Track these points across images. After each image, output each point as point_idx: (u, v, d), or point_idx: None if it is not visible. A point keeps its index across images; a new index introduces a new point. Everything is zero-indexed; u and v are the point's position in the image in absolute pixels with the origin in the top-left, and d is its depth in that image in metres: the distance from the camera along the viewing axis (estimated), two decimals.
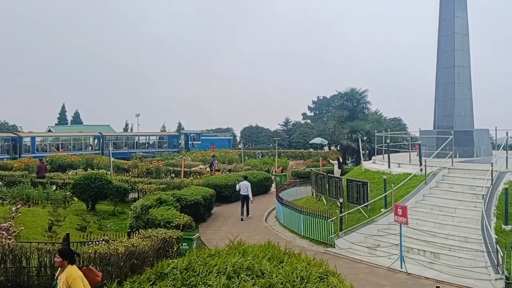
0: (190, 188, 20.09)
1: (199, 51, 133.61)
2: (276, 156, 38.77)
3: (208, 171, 30.86)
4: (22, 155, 42.87)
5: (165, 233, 11.59)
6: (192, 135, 60.87)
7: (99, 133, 54.67)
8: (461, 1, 20.65)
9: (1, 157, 41.47)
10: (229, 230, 17.17)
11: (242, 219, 19.93)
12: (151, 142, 59.44)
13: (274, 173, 33.30)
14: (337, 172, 24.93)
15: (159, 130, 77.41)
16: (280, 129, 75.96)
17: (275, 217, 20.42)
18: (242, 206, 20.34)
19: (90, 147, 52.41)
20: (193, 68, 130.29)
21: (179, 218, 13.97)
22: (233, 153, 47.32)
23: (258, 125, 76.17)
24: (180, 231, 12.70)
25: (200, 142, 59.37)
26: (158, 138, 60.96)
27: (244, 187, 20.50)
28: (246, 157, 46.11)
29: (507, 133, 16.69)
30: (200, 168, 33.38)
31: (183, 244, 12.30)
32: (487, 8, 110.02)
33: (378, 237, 14.51)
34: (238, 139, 75.26)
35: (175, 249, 11.45)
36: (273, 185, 29.07)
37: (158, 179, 25.81)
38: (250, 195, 20.42)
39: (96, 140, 53.13)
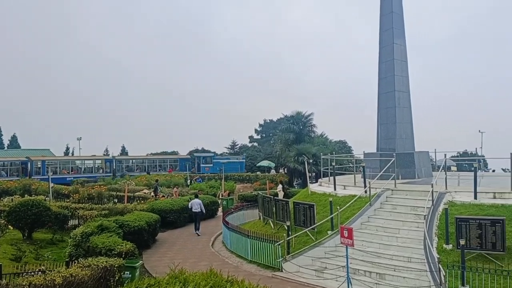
0: (133, 214, 19.48)
1: (151, 73, 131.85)
2: (223, 180, 38.47)
3: (152, 196, 30.13)
4: None
5: (106, 261, 11.02)
6: (204, 158, 60.58)
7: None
8: (399, 29, 21.58)
9: None
10: (174, 256, 16.69)
11: (198, 235, 21.64)
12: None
13: (220, 197, 32.98)
14: (281, 195, 25.03)
15: (102, 153, 75.41)
16: (226, 152, 75.78)
17: (222, 242, 20.08)
18: (195, 222, 22.15)
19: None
20: (141, 91, 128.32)
21: (122, 246, 13.40)
22: (178, 176, 46.56)
23: (204, 148, 75.69)
24: (122, 259, 12.15)
25: (212, 165, 58.51)
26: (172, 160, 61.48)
27: (196, 205, 22.32)
28: (193, 181, 45.51)
29: (445, 155, 17.35)
30: (145, 193, 32.57)
31: (126, 272, 11.79)
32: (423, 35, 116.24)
33: (325, 259, 14.50)
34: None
35: (117, 278, 10.90)
36: (220, 209, 28.74)
37: (100, 205, 24.85)
38: (203, 210, 22.72)
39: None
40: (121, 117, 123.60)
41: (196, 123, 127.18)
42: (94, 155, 64.16)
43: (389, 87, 21.19)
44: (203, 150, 74.10)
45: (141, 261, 13.85)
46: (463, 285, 11.31)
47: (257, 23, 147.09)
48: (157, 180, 35.15)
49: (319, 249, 14.86)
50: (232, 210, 24.24)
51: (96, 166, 56.38)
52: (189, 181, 44.23)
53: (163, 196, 30.53)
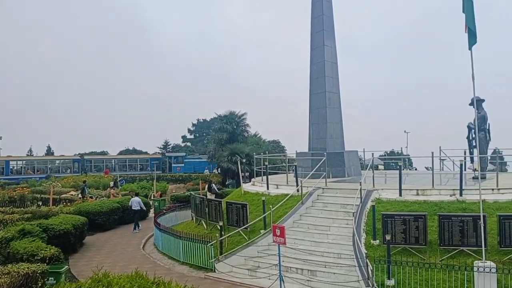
0: (59, 217, 18.57)
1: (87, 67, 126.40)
2: (155, 180, 37.70)
3: (80, 198, 28.95)
4: None
5: (28, 267, 10.45)
6: (175, 157, 59.99)
7: None
8: (330, 31, 22.16)
9: None
10: (103, 260, 16.11)
11: (139, 230, 22.84)
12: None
13: (152, 198, 32.30)
14: (210, 196, 24.92)
15: (25, 154, 71.85)
16: (159, 152, 74.45)
17: (154, 244, 19.65)
18: (135, 220, 23.32)
19: None
20: (68, 89, 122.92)
21: (45, 250, 12.75)
22: (108, 178, 45.12)
23: (135, 148, 73.91)
24: (46, 264, 11.56)
25: (183, 165, 57.99)
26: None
27: (135, 203, 23.65)
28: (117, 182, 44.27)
29: (372, 154, 18.00)
30: (71, 194, 31.22)
31: (50, 278, 11.23)
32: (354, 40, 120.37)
33: (258, 258, 14.57)
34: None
35: (40, 284, 10.33)
36: (152, 211, 28.14)
37: (22, 208, 23.48)
38: (143, 207, 24.65)
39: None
40: (46, 116, 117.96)
41: (128, 123, 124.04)
42: (63, 155, 63.09)
43: (320, 88, 21.70)
44: (134, 150, 72.35)
45: (66, 266, 13.26)
46: (389, 278, 11.79)
47: (194, 24, 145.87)
48: (84, 181, 33.81)
49: (252, 248, 14.91)
50: (164, 211, 23.84)
51: (64, 166, 55.23)
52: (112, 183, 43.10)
53: (91, 197, 29.40)
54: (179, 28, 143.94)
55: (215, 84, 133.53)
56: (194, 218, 20.80)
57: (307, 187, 17.01)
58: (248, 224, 15.95)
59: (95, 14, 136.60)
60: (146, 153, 70.87)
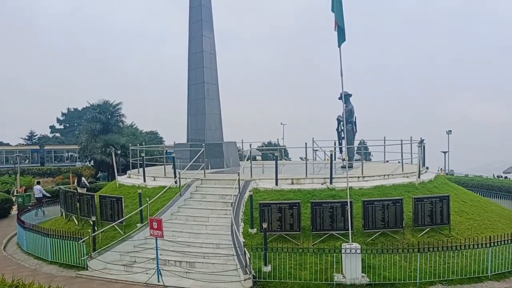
0: None
1: None
2: (18, 174, 34.60)
3: None
4: None
5: None
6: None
7: None
8: (208, 22, 22.13)
9: None
10: None
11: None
12: None
13: (15, 194, 29.62)
14: (81, 191, 23.63)
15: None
16: (23, 143, 68.47)
17: (17, 244, 18.00)
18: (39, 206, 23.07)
19: None
20: None
21: None
22: None
23: None
24: None
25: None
26: None
27: (37, 190, 24.61)
28: None
29: (250, 145, 18.44)
30: None
31: None
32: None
33: (135, 253, 14.11)
34: None
35: None
36: (15, 207, 25.84)
37: None
38: (46, 194, 24.79)
39: None
40: None
41: None
42: (21, 144, 59.00)
43: (199, 78, 21.60)
44: None
45: None
46: (265, 264, 12.20)
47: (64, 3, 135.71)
48: None
49: (128, 243, 14.38)
50: (30, 207, 22.01)
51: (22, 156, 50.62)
52: None
53: None
54: (48, 9, 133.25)
55: (88, 72, 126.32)
56: (64, 214, 19.49)
57: (186, 178, 16.88)
58: (123, 218, 15.37)
59: None
60: (8, 144, 64.66)
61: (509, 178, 34.31)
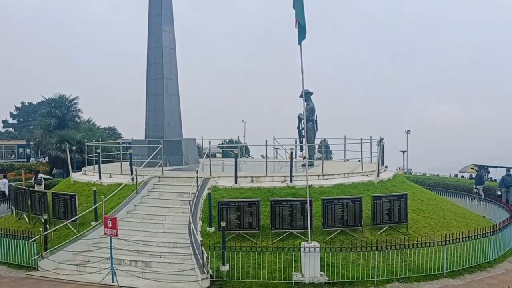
0: None
1: None
2: None
3: None
4: None
5: None
6: None
7: None
8: (168, 16, 21.59)
9: None
10: None
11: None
12: None
13: None
14: (38, 188, 22.69)
15: None
16: None
17: None
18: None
19: None
20: None
21: None
22: None
23: None
24: None
25: None
26: None
27: (2, 184, 25.72)
28: None
29: (209, 142, 18.18)
30: None
31: None
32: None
33: (88, 252, 13.58)
34: None
35: None
36: None
37: None
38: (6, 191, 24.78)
39: None
40: None
41: None
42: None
43: (158, 73, 21.07)
44: None
45: None
46: (223, 264, 11.94)
47: None
48: None
49: (81, 242, 13.83)
50: None
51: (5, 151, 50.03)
52: None
53: None
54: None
55: (46, 66, 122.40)
56: (14, 212, 18.63)
57: (143, 176, 16.40)
58: (77, 216, 14.79)
59: None
60: None
61: (465, 177, 35.33)
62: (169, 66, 21.39)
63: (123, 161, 19.70)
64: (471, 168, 38.66)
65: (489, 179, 33.04)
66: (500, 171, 32.69)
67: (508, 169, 26.12)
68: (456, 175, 39.44)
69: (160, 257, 12.76)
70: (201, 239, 12.51)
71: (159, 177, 16.69)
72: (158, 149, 17.60)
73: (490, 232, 13.49)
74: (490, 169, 41.37)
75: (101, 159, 18.56)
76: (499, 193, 24.41)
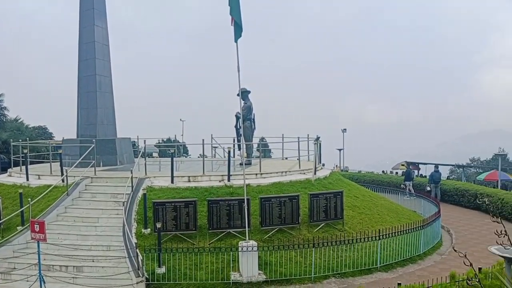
0: None
1: None
2: None
3: None
4: None
5: None
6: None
7: None
8: (101, 11, 20.76)
9: None
10: None
11: None
12: None
13: None
14: None
15: None
16: None
17: None
18: None
19: None
20: None
21: None
22: None
23: None
24: None
25: None
26: None
27: None
28: None
29: (145, 141, 17.67)
30: None
31: None
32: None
33: (14, 259, 12.75)
34: None
35: None
36: None
37: None
38: None
39: None
40: None
41: None
42: None
43: (90, 70, 20.20)
44: None
45: None
46: (159, 266, 11.63)
47: None
48: None
49: (6, 248, 12.96)
50: None
51: None
52: None
53: None
54: None
55: None
56: None
57: (74, 176, 15.68)
58: (1, 221, 13.90)
59: None
60: None
61: (398, 174, 36.80)
62: (102, 63, 20.59)
63: (53, 162, 18.76)
64: (402, 165, 40.39)
65: (419, 176, 34.58)
66: (429, 168, 34.33)
67: (436, 165, 27.48)
68: (391, 172, 41.07)
69: (93, 261, 12.21)
70: (136, 241, 12.09)
71: (91, 177, 16.00)
72: (91, 148, 16.89)
73: (420, 227, 14.05)
74: (420, 166, 43.38)
75: (29, 159, 17.57)
76: (428, 188, 25.58)
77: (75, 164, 16.51)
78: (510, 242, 3.88)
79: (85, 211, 14.50)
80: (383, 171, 41.93)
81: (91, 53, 20.19)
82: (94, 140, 17.57)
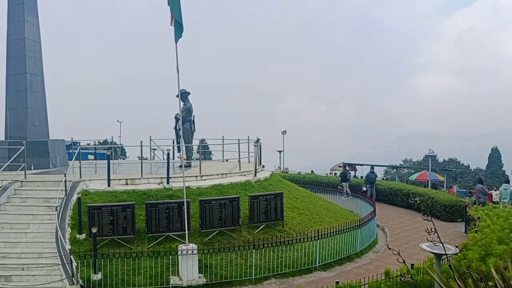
0: None
1: None
2: None
3: None
4: None
5: None
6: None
7: None
8: (31, 6, 19.74)
9: None
10: None
11: None
12: None
13: None
14: None
15: None
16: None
17: None
18: None
19: None
20: None
21: None
22: None
23: None
24: None
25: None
26: None
27: None
28: None
29: (79, 143, 16.97)
30: None
31: None
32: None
33: None
34: None
35: None
36: None
37: None
38: None
39: None
40: None
41: None
42: None
43: (20, 68, 19.14)
44: None
45: None
46: (95, 272, 11.20)
47: None
48: None
49: None
50: None
51: None
52: None
53: None
54: None
55: None
56: None
57: (2, 180, 14.78)
58: None
59: None
60: None
61: (337, 175, 37.75)
62: (33, 61, 19.58)
63: None
64: (339, 166, 41.49)
65: (356, 177, 35.65)
66: (366, 169, 35.50)
67: (372, 166, 28.42)
68: (330, 173, 42.05)
69: (23, 270, 11.55)
70: (70, 247, 11.57)
71: (21, 181, 15.15)
72: (20, 150, 16.01)
73: (357, 226, 14.44)
74: (357, 167, 44.73)
75: None
76: (364, 189, 26.41)
77: (3, 168, 15.57)
78: (439, 239, 4.05)
79: (14, 217, 13.69)
80: (328, 173, 42.91)
81: (21, 50, 19.14)
82: (24, 142, 16.66)
